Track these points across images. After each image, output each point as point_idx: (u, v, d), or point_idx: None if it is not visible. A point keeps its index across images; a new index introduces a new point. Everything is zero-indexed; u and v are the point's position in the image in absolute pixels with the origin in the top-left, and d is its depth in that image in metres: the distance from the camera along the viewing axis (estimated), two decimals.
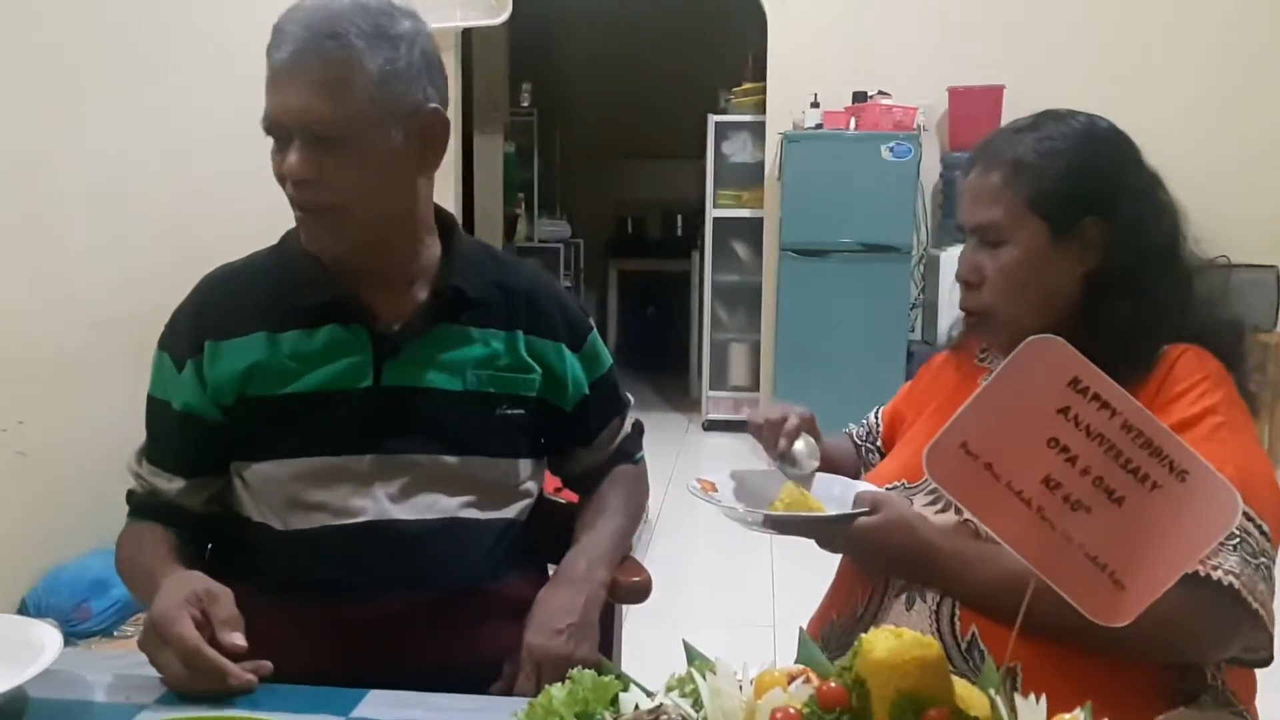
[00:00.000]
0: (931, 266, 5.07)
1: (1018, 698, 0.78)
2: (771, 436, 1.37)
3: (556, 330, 1.42)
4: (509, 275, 1.41)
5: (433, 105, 1.27)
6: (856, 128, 5.03)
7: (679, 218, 7.84)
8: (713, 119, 5.74)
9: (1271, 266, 4.71)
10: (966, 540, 1.22)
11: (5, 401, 2.53)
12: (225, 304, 1.34)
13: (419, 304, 1.34)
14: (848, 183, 4.98)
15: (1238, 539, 1.10)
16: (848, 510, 1.24)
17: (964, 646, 1.19)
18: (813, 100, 5.13)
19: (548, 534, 1.47)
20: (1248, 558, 1.10)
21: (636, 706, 0.81)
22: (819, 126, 5.11)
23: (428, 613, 1.29)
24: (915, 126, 4.99)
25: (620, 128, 7.92)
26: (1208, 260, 1.32)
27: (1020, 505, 0.91)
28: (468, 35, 5.64)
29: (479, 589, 1.33)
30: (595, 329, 1.49)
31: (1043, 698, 0.77)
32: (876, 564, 1.29)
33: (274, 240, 1.39)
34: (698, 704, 0.79)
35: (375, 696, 1.10)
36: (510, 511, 1.39)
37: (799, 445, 1.36)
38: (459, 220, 1.45)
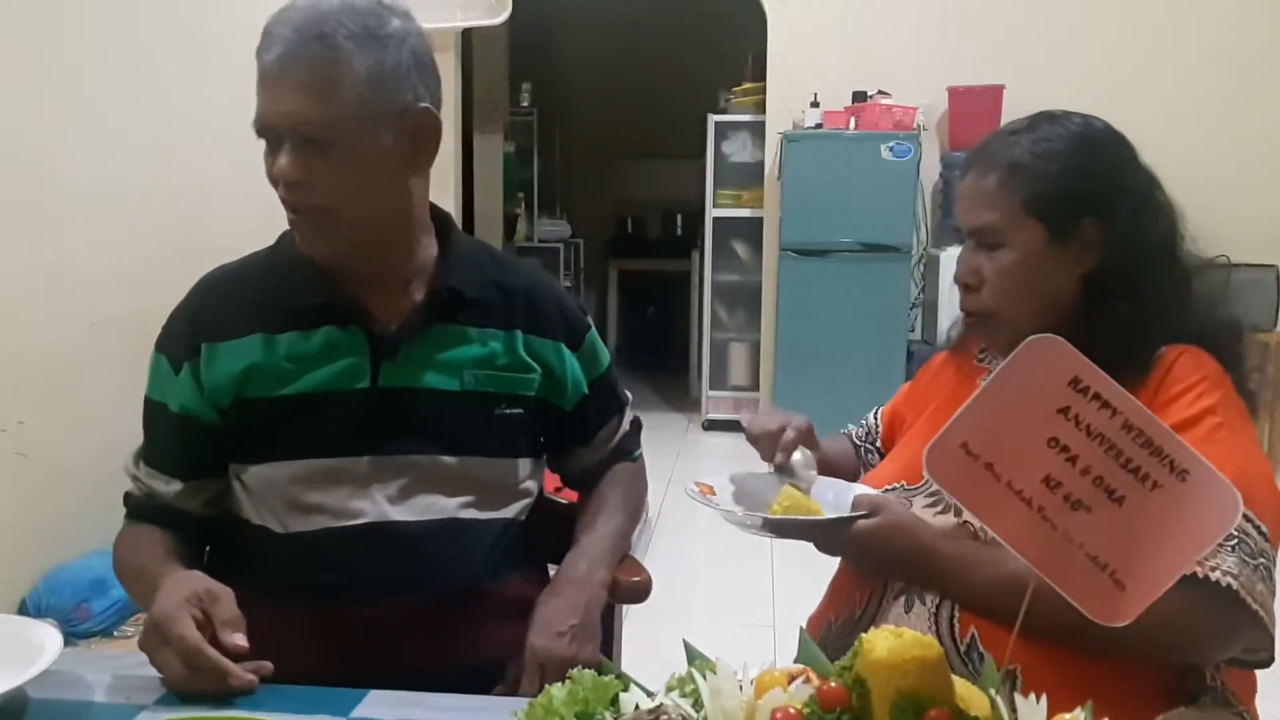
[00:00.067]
0: (931, 266, 5.07)
1: (1018, 698, 0.78)
2: (769, 448, 1.37)
3: (555, 329, 1.42)
4: (507, 275, 1.41)
5: (423, 105, 1.26)
6: (856, 127, 5.03)
7: (679, 217, 7.84)
8: (713, 119, 5.74)
9: (1271, 266, 4.71)
10: (965, 542, 1.22)
11: (5, 401, 2.53)
12: (222, 306, 1.33)
13: (416, 304, 1.34)
14: (847, 182, 4.98)
15: (1236, 540, 1.10)
16: (846, 513, 1.24)
17: (963, 649, 1.19)
18: (812, 100, 5.13)
19: (548, 533, 1.47)
20: (1246, 559, 1.10)
21: (637, 706, 0.81)
22: (819, 126, 5.11)
23: (428, 614, 1.29)
24: (915, 126, 4.99)
25: (620, 127, 7.92)
26: (1206, 260, 1.32)
27: (1021, 505, 0.91)
28: (467, 35, 5.64)
29: (479, 589, 1.33)
30: (594, 327, 1.49)
31: (1043, 698, 0.77)
32: (875, 567, 1.29)
33: (274, 240, 1.39)
34: (698, 704, 0.79)
35: (375, 696, 1.10)
36: (510, 511, 1.39)
37: (796, 457, 1.37)
38: (459, 220, 1.45)
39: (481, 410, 1.35)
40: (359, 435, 1.30)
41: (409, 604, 1.29)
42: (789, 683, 0.79)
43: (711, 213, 5.76)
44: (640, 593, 1.43)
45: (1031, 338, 0.92)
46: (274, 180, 1.24)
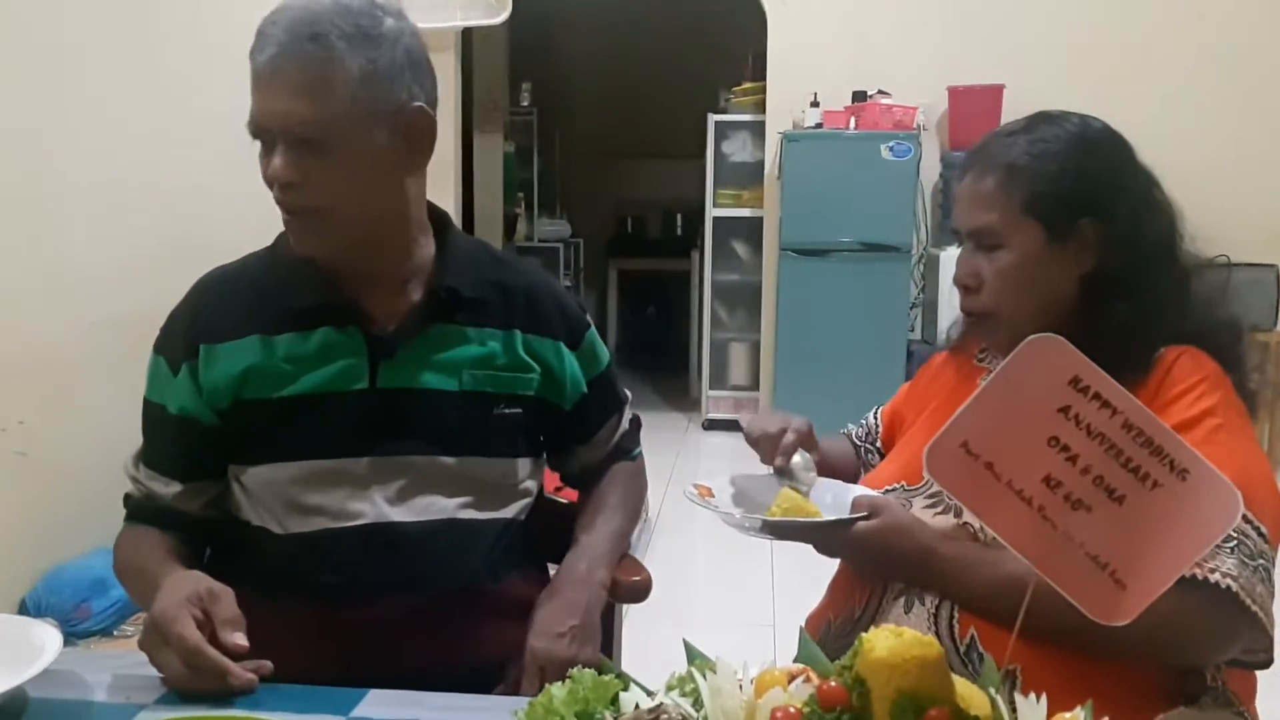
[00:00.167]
0: (931, 266, 5.07)
1: (1018, 697, 0.78)
2: (769, 451, 1.37)
3: (554, 329, 1.41)
4: (506, 274, 1.41)
5: (417, 104, 1.26)
6: (856, 127, 5.03)
7: (679, 217, 7.84)
8: (713, 118, 5.74)
9: (1271, 265, 4.71)
10: (965, 544, 1.22)
11: (5, 401, 2.53)
12: (219, 307, 1.33)
13: (413, 304, 1.33)
14: (847, 182, 4.98)
15: (1235, 541, 1.10)
16: (845, 515, 1.24)
17: (963, 649, 1.19)
18: (812, 100, 5.13)
19: (548, 533, 1.47)
20: (1246, 560, 1.10)
21: (637, 706, 0.81)
22: (819, 126, 5.11)
23: (428, 614, 1.29)
24: (915, 126, 4.99)
25: (620, 127, 7.92)
26: (1206, 260, 1.31)
27: (1021, 504, 0.91)
28: (468, 35, 5.64)
29: (479, 589, 1.33)
30: (593, 326, 1.48)
31: (1043, 697, 0.77)
32: (875, 568, 1.29)
33: (272, 240, 1.39)
34: (698, 703, 0.79)
35: (375, 696, 1.10)
36: (509, 511, 1.39)
37: (796, 459, 1.36)
38: (459, 220, 1.45)
39: (480, 410, 1.35)
40: (358, 436, 1.30)
41: (409, 604, 1.28)
42: (789, 682, 0.79)
43: (711, 212, 5.76)
44: (640, 592, 1.43)
45: (1031, 337, 0.92)
46: (269, 181, 1.24)
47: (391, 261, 1.33)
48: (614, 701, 0.83)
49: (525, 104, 7.28)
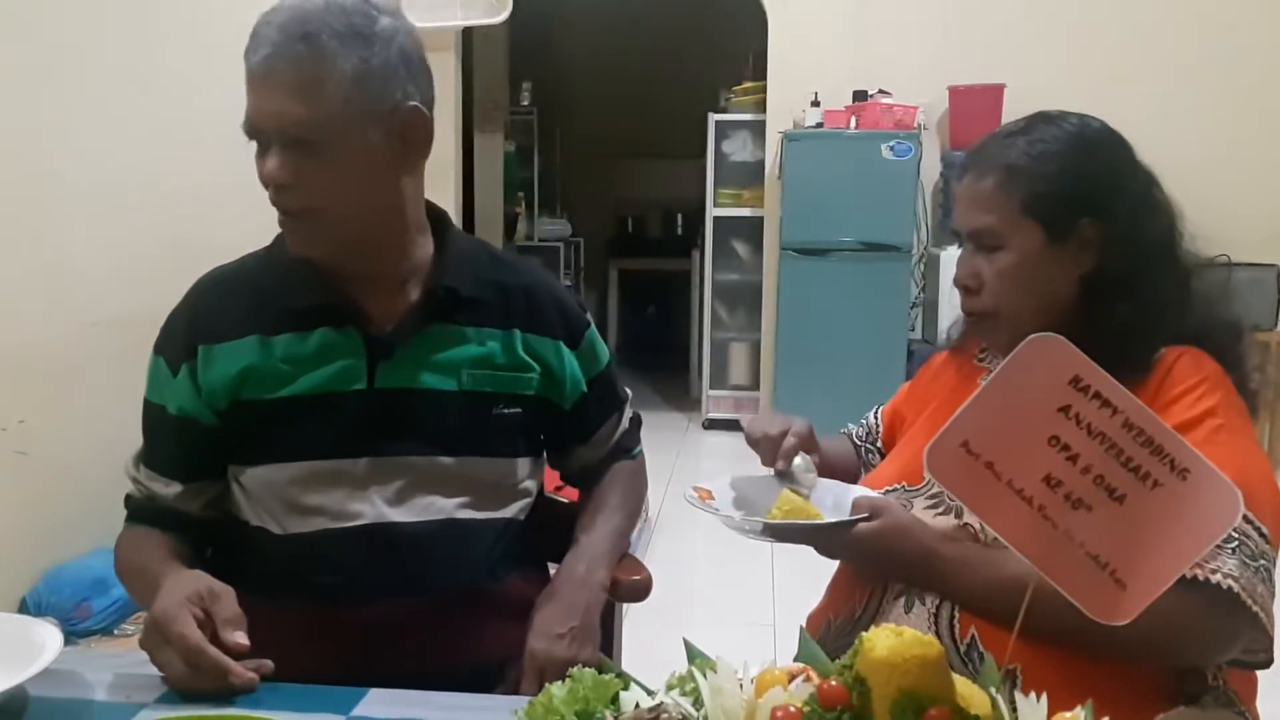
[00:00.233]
0: (932, 265, 5.07)
1: (1018, 696, 0.78)
2: (770, 453, 1.37)
3: (554, 328, 1.41)
4: (505, 273, 1.41)
5: (412, 103, 1.25)
6: (857, 127, 5.03)
7: (679, 217, 7.84)
8: (713, 118, 5.74)
9: (1271, 265, 4.71)
10: (965, 544, 1.22)
11: (6, 400, 2.53)
12: (218, 307, 1.33)
13: (412, 304, 1.33)
14: (848, 182, 4.98)
15: (1236, 541, 1.10)
16: (845, 516, 1.24)
17: (963, 649, 1.19)
18: (813, 99, 5.13)
19: (549, 533, 1.47)
20: (1247, 560, 1.10)
21: (637, 705, 0.81)
22: (819, 125, 5.11)
23: (428, 615, 1.29)
24: (916, 125, 4.99)
25: (621, 126, 7.92)
26: (1206, 259, 1.31)
27: (1021, 504, 0.91)
28: (468, 34, 5.64)
29: (479, 590, 1.33)
30: (593, 325, 1.48)
31: (1043, 697, 0.77)
32: (875, 569, 1.29)
33: (271, 240, 1.39)
34: (698, 703, 0.79)
35: (376, 695, 1.10)
36: (509, 511, 1.38)
37: (797, 462, 1.36)
38: (460, 220, 1.45)
39: (479, 410, 1.34)
40: (356, 437, 1.30)
41: (408, 605, 1.28)
42: (789, 681, 0.79)
43: (712, 212, 5.76)
44: (640, 592, 1.43)
45: (1032, 336, 0.92)
46: (264, 182, 1.24)
47: (389, 261, 1.33)
48: (614, 701, 0.83)
49: (526, 103, 7.28)
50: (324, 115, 1.19)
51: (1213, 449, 1.07)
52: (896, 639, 0.76)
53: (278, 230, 1.36)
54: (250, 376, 1.29)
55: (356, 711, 1.07)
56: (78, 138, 2.76)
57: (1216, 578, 1.08)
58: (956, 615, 1.20)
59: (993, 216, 1.27)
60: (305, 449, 1.29)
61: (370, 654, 1.24)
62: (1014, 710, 0.77)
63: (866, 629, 0.79)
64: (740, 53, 5.81)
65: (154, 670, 1.10)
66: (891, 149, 4.94)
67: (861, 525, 1.22)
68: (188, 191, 3.14)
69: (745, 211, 5.69)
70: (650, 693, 0.84)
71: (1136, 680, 1.15)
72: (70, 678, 1.12)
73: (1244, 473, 1.07)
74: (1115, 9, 5.08)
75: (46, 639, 1.10)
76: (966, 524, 1.23)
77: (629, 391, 1.56)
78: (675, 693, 0.82)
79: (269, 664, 1.11)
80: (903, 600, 1.25)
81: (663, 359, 7.15)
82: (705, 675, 0.80)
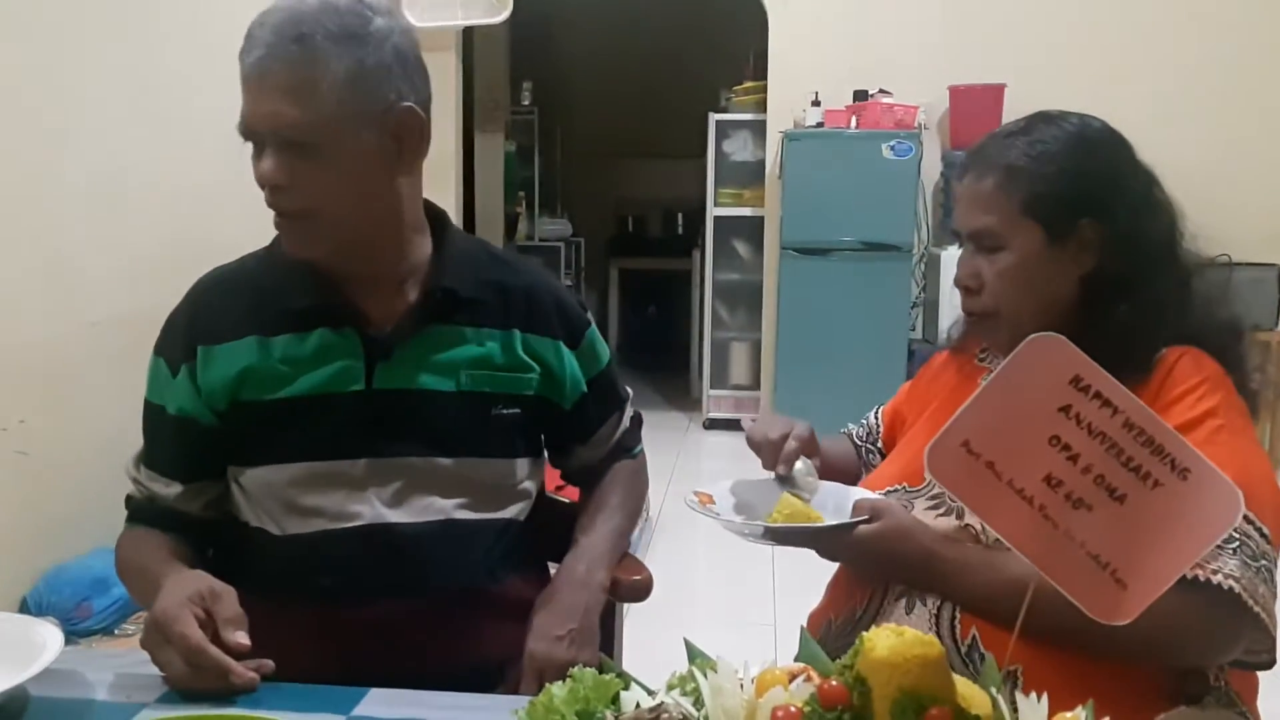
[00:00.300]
0: (932, 265, 5.07)
1: (1019, 696, 0.78)
2: (771, 457, 1.37)
3: (554, 328, 1.41)
4: (505, 273, 1.40)
5: (406, 104, 1.24)
6: (857, 126, 5.03)
7: (680, 216, 7.84)
8: (714, 117, 5.73)
9: (1272, 265, 4.70)
10: (966, 546, 1.22)
11: (6, 400, 2.53)
12: (217, 308, 1.33)
13: (410, 305, 1.33)
14: (849, 181, 4.98)
15: (1238, 542, 1.10)
16: (846, 519, 1.24)
17: (964, 650, 1.19)
18: (814, 99, 5.12)
19: (549, 533, 1.46)
20: (1248, 561, 1.10)
21: (637, 705, 0.81)
22: (820, 125, 5.11)
23: (427, 616, 1.29)
24: (916, 125, 4.99)
25: (621, 126, 7.91)
26: (1207, 259, 1.31)
27: (1022, 504, 0.91)
28: (468, 34, 5.64)
29: (478, 590, 1.33)
30: (594, 324, 1.48)
31: (1044, 697, 0.77)
32: (877, 571, 1.29)
33: (270, 240, 1.39)
34: (699, 702, 0.79)
35: (376, 695, 1.10)
36: (508, 512, 1.38)
37: (799, 466, 1.36)
38: (460, 219, 1.45)
39: (478, 411, 1.34)
40: (354, 438, 1.30)
41: (408, 605, 1.28)
42: (790, 681, 0.79)
43: (712, 211, 5.76)
44: (641, 591, 1.43)
45: (1032, 336, 0.92)
46: (259, 183, 1.23)
47: (386, 262, 1.32)
48: (614, 701, 0.83)
49: (526, 103, 7.28)
50: (317, 117, 1.19)
51: (1213, 449, 1.07)
52: (897, 639, 0.76)
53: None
54: (249, 377, 1.29)
55: (357, 711, 1.07)
56: (78, 137, 2.76)
57: (1218, 578, 1.08)
58: (958, 616, 1.20)
59: (993, 217, 1.27)
60: (304, 450, 1.29)
61: (370, 654, 1.24)
62: (1015, 710, 0.77)
63: (867, 629, 0.79)
64: (741, 52, 5.81)
65: (155, 670, 1.10)
66: (892, 149, 4.94)
67: (862, 528, 1.22)
68: (188, 191, 3.14)
69: (746, 211, 5.69)
70: (651, 693, 0.84)
71: (1137, 681, 1.15)
72: (71, 677, 1.12)
73: (1245, 473, 1.07)
74: (1116, 9, 5.08)
75: (47, 639, 1.10)
76: (968, 525, 1.23)
77: (629, 390, 1.56)
78: (676, 693, 0.82)
79: (270, 664, 1.11)
80: (904, 601, 1.24)
81: (663, 359, 7.15)
82: (706, 675, 0.80)
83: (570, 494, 1.56)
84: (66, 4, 2.72)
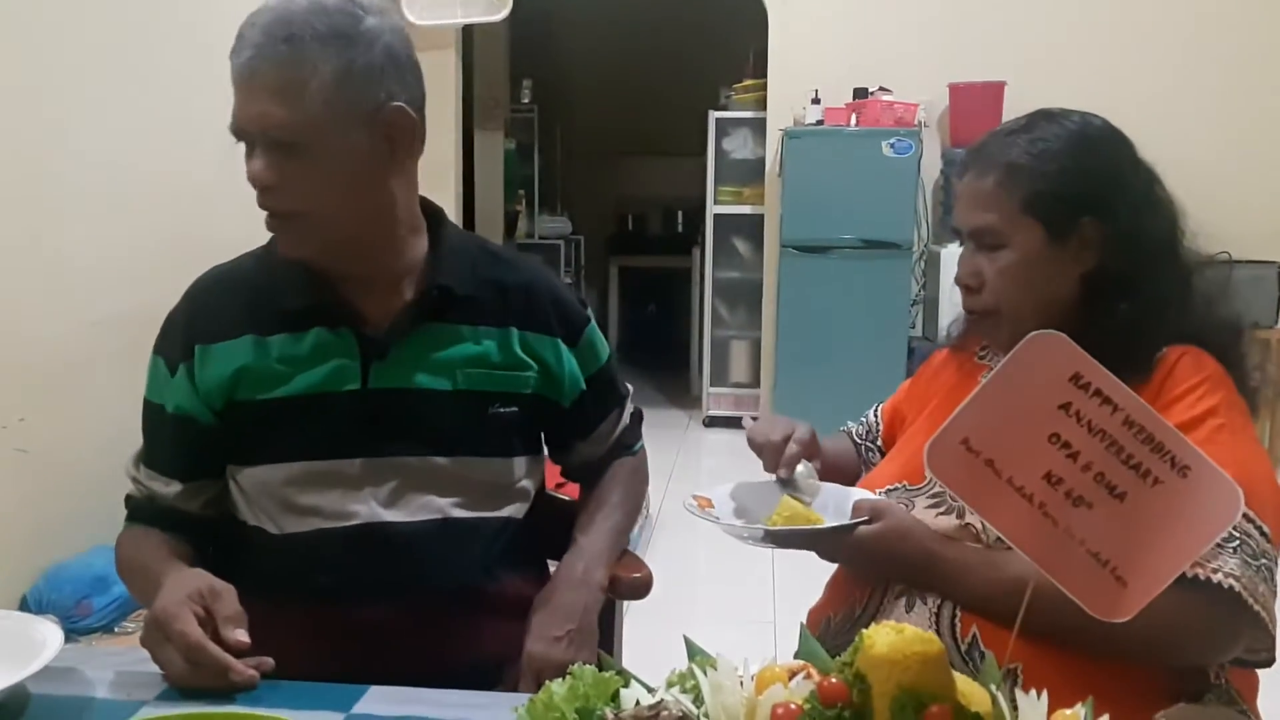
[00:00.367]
0: (932, 263, 5.07)
1: (1019, 693, 0.78)
2: (772, 460, 1.37)
3: (551, 326, 1.40)
4: (503, 270, 1.40)
5: (397, 104, 1.24)
6: (857, 124, 5.03)
7: (680, 214, 7.85)
8: (713, 115, 5.74)
9: (1272, 263, 4.70)
10: (966, 546, 1.22)
11: (6, 398, 2.53)
12: (214, 307, 1.33)
13: (405, 304, 1.32)
14: (849, 179, 4.98)
15: (1238, 541, 1.10)
16: (846, 520, 1.24)
17: (964, 648, 1.19)
18: (813, 96, 5.12)
19: (549, 531, 1.46)
20: (1248, 560, 1.10)
21: (637, 702, 0.81)
22: (820, 123, 5.11)
23: (425, 615, 1.29)
24: (916, 123, 4.99)
25: (621, 124, 7.91)
26: (1207, 257, 1.31)
27: (1022, 501, 0.91)
28: (468, 32, 5.63)
29: (476, 590, 1.33)
30: (593, 321, 1.47)
31: (1043, 694, 0.77)
32: (877, 572, 1.29)
33: (268, 240, 1.39)
34: (699, 700, 0.79)
35: (376, 693, 1.10)
36: (506, 511, 1.38)
37: (800, 469, 1.36)
38: (460, 217, 1.44)
39: (475, 410, 1.34)
40: (351, 437, 1.30)
41: (405, 604, 1.28)
42: (790, 679, 0.79)
43: (712, 209, 5.76)
44: (641, 589, 1.43)
45: (1033, 334, 0.92)
46: (250, 184, 1.23)
47: (381, 261, 1.32)
48: (614, 698, 0.83)
49: (526, 101, 7.28)
50: (305, 117, 1.18)
51: (1214, 448, 1.07)
52: (897, 636, 0.76)
53: None
54: (245, 376, 1.29)
55: (357, 709, 1.07)
56: (78, 136, 2.76)
57: (1218, 577, 1.08)
58: (958, 615, 1.20)
59: (994, 215, 1.27)
60: (300, 449, 1.29)
61: (368, 653, 1.24)
62: (1014, 708, 0.77)
63: (867, 627, 0.79)
64: (741, 50, 5.80)
65: (155, 668, 1.10)
66: (892, 146, 4.93)
67: (862, 529, 1.22)
68: (188, 190, 3.13)
69: (746, 209, 5.69)
70: (651, 690, 0.84)
71: (1138, 679, 1.15)
72: (71, 675, 1.12)
73: (1245, 472, 1.07)
74: (1116, 7, 5.08)
75: (47, 636, 1.10)
76: (968, 524, 1.23)
77: (629, 387, 1.55)
78: (676, 690, 0.82)
79: (269, 661, 1.11)
80: (904, 600, 1.25)
81: (663, 357, 7.15)
82: (706, 672, 0.80)
83: (570, 491, 1.56)
84: (67, 4, 2.72)
